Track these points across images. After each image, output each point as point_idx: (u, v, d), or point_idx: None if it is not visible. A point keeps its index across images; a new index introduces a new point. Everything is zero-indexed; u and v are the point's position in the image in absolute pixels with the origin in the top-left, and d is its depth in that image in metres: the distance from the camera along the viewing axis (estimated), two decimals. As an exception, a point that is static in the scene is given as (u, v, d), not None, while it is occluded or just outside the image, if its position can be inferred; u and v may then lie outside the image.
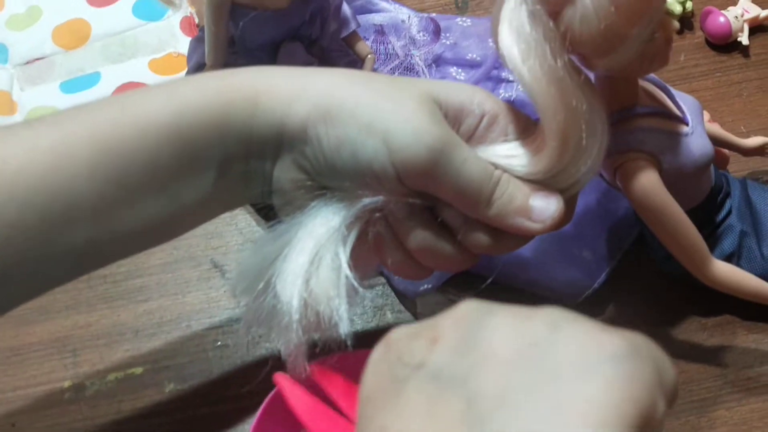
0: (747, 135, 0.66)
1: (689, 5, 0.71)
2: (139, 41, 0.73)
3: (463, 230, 0.39)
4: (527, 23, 0.38)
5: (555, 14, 0.40)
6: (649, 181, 0.47)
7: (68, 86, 0.70)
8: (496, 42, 0.40)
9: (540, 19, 0.38)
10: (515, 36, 0.38)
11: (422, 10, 0.75)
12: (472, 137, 0.39)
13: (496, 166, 0.38)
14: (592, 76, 0.45)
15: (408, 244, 0.41)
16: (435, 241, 0.40)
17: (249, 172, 0.38)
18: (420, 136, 0.35)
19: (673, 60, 0.70)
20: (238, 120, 0.35)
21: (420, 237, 0.40)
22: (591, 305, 0.56)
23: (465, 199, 0.38)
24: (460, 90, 0.40)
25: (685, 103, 0.51)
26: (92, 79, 0.71)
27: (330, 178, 0.38)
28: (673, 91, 0.52)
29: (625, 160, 0.48)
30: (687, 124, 0.49)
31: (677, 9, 0.70)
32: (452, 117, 0.38)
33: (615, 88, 0.48)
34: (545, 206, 0.38)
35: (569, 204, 0.42)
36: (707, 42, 0.71)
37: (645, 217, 0.48)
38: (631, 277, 0.57)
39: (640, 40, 0.41)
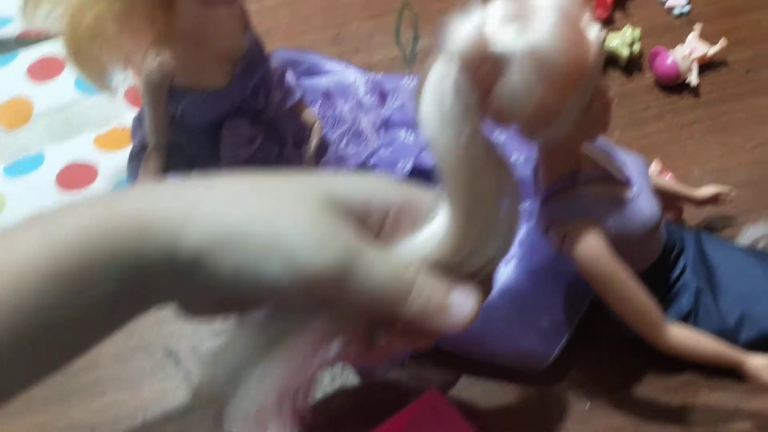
0: (701, 179, 0.66)
1: (636, 47, 0.71)
2: (84, 116, 0.72)
3: (384, 332, 0.38)
4: (450, 95, 0.36)
5: (484, 90, 0.39)
6: (595, 250, 0.47)
7: (13, 170, 0.69)
8: (417, 106, 0.39)
9: (464, 92, 0.36)
10: (435, 106, 0.36)
11: (371, 66, 0.75)
12: (380, 232, 0.38)
13: (409, 262, 0.37)
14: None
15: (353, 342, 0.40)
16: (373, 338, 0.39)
17: (149, 299, 0.36)
18: (323, 250, 0.33)
19: (622, 104, 0.71)
20: (125, 252, 0.32)
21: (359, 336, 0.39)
22: (551, 373, 0.55)
23: (379, 305, 0.36)
24: (363, 184, 0.38)
25: (630, 163, 0.51)
26: (36, 160, 0.69)
27: (238, 302, 0.36)
28: (617, 151, 0.52)
29: (570, 228, 0.47)
30: (632, 187, 0.49)
31: (625, 52, 0.70)
32: (357, 214, 0.37)
33: (556, 156, 0.48)
34: (464, 302, 0.37)
35: (485, 286, 0.40)
36: (657, 83, 0.71)
37: (593, 285, 0.48)
38: (591, 341, 0.56)
39: (575, 112, 0.41)
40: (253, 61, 0.58)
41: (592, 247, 0.46)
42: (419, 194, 0.39)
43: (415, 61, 0.75)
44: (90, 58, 0.54)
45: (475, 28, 0.37)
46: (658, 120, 0.69)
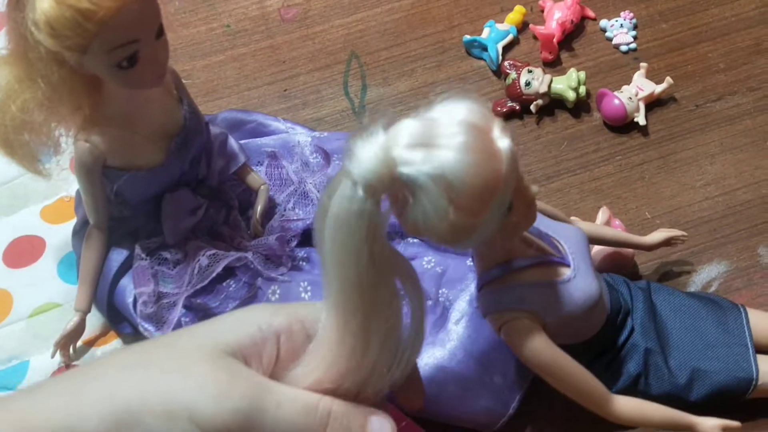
0: (652, 221, 0.65)
1: (582, 90, 0.70)
2: (29, 189, 0.70)
3: None
4: (354, 218, 0.34)
5: (395, 209, 0.38)
6: (532, 340, 0.46)
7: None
8: (318, 226, 0.36)
9: (369, 215, 0.34)
10: (339, 229, 0.34)
11: (319, 119, 0.74)
12: (278, 362, 0.36)
13: (317, 390, 0.36)
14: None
15: None
16: None
17: None
18: (223, 402, 0.32)
19: (572, 146, 0.70)
20: None
21: None
22: (511, 429, 0.54)
23: None
24: (245, 321, 0.36)
25: (567, 237, 0.50)
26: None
27: None
28: (553, 225, 0.50)
29: (506, 319, 0.46)
30: (569, 266, 0.48)
31: (571, 96, 0.70)
32: (250, 354, 0.35)
33: (487, 250, 0.47)
34: (382, 428, 0.36)
35: (414, 386, 0.39)
36: (606, 124, 0.71)
37: (535, 371, 0.47)
38: (547, 397, 0.55)
39: (494, 221, 0.39)
40: (190, 134, 0.57)
41: (528, 339, 0.46)
42: (303, 311, 0.37)
43: (364, 112, 0.74)
44: (20, 146, 0.53)
45: (382, 151, 0.35)
46: (607, 162, 0.69)
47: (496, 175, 0.38)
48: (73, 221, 0.66)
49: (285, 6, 0.81)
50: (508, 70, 0.73)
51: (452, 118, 0.39)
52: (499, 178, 0.38)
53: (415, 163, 0.36)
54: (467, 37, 0.76)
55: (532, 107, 0.70)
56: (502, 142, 0.39)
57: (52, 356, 0.60)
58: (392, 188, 0.36)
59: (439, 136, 0.37)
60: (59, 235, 0.68)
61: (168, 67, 0.52)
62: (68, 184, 0.70)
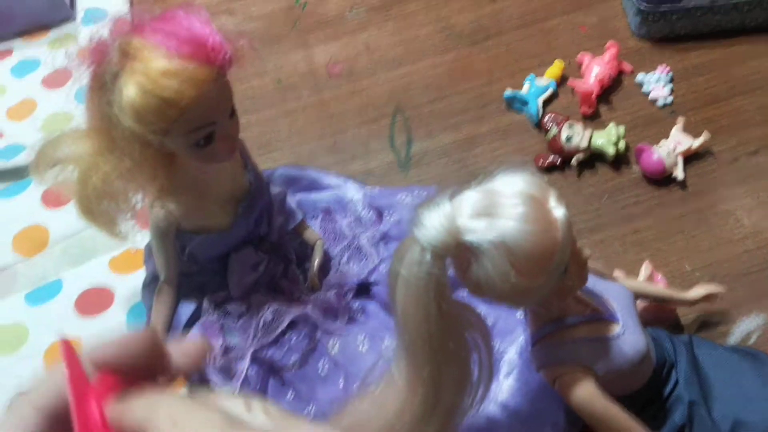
0: (692, 273, 0.67)
1: (622, 144, 0.73)
2: (97, 240, 0.75)
3: None
4: (423, 281, 0.39)
5: (459, 271, 0.42)
6: (586, 392, 0.49)
7: (33, 297, 0.72)
8: (391, 286, 0.41)
9: (437, 278, 0.39)
10: (409, 291, 0.39)
11: (368, 171, 0.78)
12: None
13: None
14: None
15: None
16: None
17: None
18: None
19: (613, 199, 0.73)
20: None
21: None
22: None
23: None
24: None
25: (615, 296, 0.53)
26: (55, 287, 0.72)
27: None
28: (601, 284, 0.53)
29: (560, 373, 0.49)
30: (618, 323, 0.51)
31: (611, 150, 0.72)
32: None
33: (541, 308, 0.50)
34: None
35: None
36: (645, 176, 0.73)
37: (588, 422, 0.50)
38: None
39: (551, 283, 0.43)
40: (254, 197, 0.61)
41: (582, 392, 0.49)
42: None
43: (409, 164, 0.78)
44: (100, 213, 0.58)
45: (447, 220, 0.40)
46: (647, 215, 0.71)
47: (553, 242, 0.42)
48: (140, 271, 0.70)
49: (332, 62, 0.85)
50: (548, 125, 0.76)
51: (512, 190, 0.43)
52: (556, 245, 0.42)
53: (479, 231, 0.40)
54: (508, 91, 0.79)
55: (573, 161, 0.73)
56: (558, 211, 0.43)
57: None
58: (457, 253, 0.40)
59: (500, 207, 0.41)
60: (127, 285, 0.72)
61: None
62: (135, 235, 0.75)
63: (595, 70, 0.78)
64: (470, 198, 0.42)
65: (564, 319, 0.49)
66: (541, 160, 0.74)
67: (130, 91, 0.48)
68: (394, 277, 0.41)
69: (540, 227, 0.41)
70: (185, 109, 0.48)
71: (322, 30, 0.88)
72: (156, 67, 0.47)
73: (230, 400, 0.22)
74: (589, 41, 0.83)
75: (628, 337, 0.50)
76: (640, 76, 0.80)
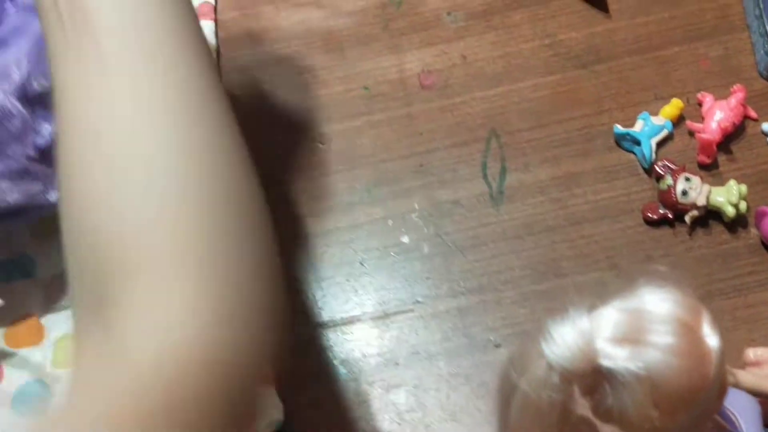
0: (810, 362, 0.62)
1: (743, 205, 0.66)
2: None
3: None
4: (546, 400, 0.35)
5: (586, 392, 0.37)
6: None
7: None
8: (504, 394, 0.37)
9: (562, 399, 0.35)
10: (529, 410, 0.36)
11: (455, 201, 0.72)
12: None
13: None
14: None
15: None
16: None
17: None
18: None
19: (726, 266, 0.67)
20: None
21: None
22: None
23: None
24: None
25: (741, 410, 0.48)
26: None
27: None
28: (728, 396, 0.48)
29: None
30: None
31: (730, 211, 0.66)
32: None
33: None
34: None
35: None
36: (763, 243, 0.67)
37: None
38: None
39: (690, 421, 0.38)
40: None
41: None
42: None
43: (502, 199, 0.72)
44: None
45: (584, 340, 0.35)
46: (763, 287, 0.65)
47: (703, 379, 0.37)
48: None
49: (425, 71, 0.79)
50: (662, 172, 0.69)
51: (660, 313, 0.38)
52: (707, 382, 0.37)
53: (619, 359, 0.35)
54: (619, 128, 0.72)
55: (687, 218, 0.67)
56: (712, 340, 0.38)
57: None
58: (590, 378, 0.36)
59: (645, 332, 0.36)
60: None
61: None
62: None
63: (717, 116, 0.70)
64: (612, 317, 0.37)
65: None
66: (651, 213, 0.68)
67: None
68: (510, 387, 0.37)
69: (691, 363, 0.37)
70: None
71: (416, 33, 0.80)
72: None
73: None
74: (710, 78, 0.75)
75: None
76: (765, 125, 0.72)
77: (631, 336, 0.36)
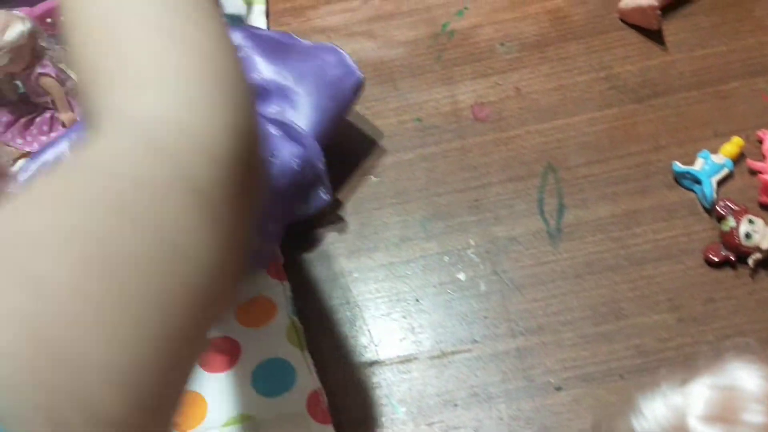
0: None
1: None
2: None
3: None
4: None
5: None
6: None
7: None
8: None
9: None
10: None
11: (512, 238, 0.71)
12: None
13: None
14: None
15: None
16: None
17: None
18: None
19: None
20: None
21: None
22: None
23: None
24: None
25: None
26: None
27: None
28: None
29: None
30: None
31: (796, 255, 0.65)
32: None
33: None
34: None
35: None
36: (829, 288, 0.66)
37: None
38: None
39: None
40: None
41: None
42: None
43: (560, 236, 0.71)
44: None
45: (676, 417, 0.35)
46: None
47: None
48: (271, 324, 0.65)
49: (478, 103, 0.78)
50: (723, 213, 0.68)
51: (751, 390, 0.38)
52: None
53: None
54: (679, 166, 0.71)
55: (750, 261, 0.66)
56: None
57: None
58: None
59: (739, 411, 0.36)
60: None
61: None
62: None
63: (780, 154, 0.69)
64: (704, 394, 0.37)
65: None
66: (713, 255, 0.67)
67: None
68: None
69: None
70: None
71: (469, 64, 0.80)
72: None
73: None
74: (771, 114, 0.74)
75: None
76: (829, 164, 0.71)
77: (724, 415, 0.36)
